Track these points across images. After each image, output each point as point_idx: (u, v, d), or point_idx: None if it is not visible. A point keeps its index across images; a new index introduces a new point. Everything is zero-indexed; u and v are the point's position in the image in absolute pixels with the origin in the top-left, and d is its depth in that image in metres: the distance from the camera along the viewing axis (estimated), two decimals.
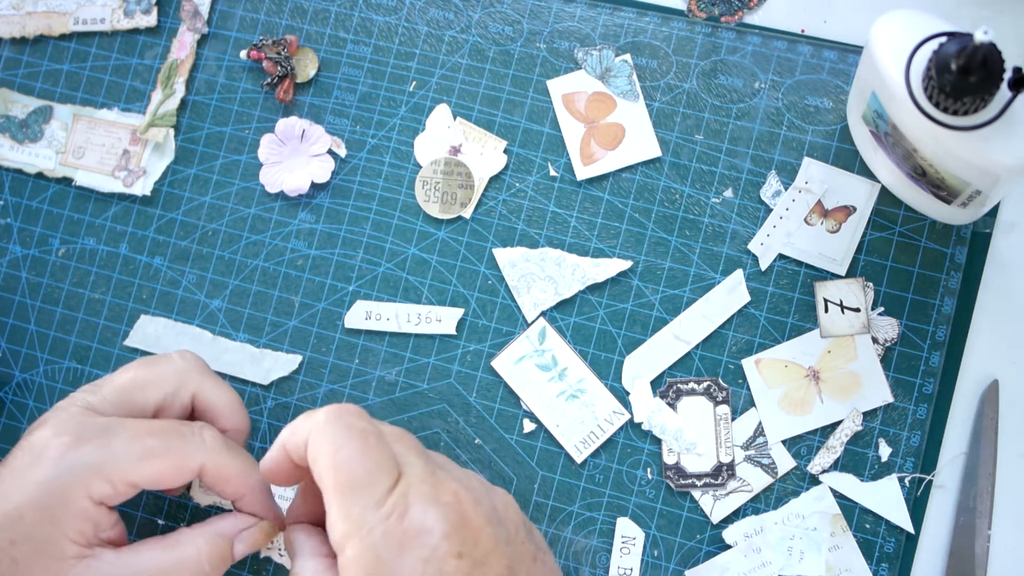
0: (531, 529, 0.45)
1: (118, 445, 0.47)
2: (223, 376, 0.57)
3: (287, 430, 0.45)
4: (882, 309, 0.53)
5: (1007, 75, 0.41)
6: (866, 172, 0.54)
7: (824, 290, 0.53)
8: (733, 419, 0.53)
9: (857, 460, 0.52)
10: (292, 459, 0.45)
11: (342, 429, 0.42)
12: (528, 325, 0.55)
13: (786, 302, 0.54)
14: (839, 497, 0.52)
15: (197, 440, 0.48)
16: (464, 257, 0.56)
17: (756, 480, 0.53)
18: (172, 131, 0.59)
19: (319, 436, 0.42)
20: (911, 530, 0.52)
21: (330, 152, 0.58)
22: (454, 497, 0.41)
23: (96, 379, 0.51)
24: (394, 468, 0.42)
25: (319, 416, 0.43)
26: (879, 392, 0.53)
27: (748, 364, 0.54)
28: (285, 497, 0.54)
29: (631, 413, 0.54)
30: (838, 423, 0.53)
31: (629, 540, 0.53)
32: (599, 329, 0.55)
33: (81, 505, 0.46)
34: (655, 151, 0.56)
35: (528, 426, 0.55)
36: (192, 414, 0.52)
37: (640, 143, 0.56)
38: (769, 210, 0.55)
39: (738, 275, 0.54)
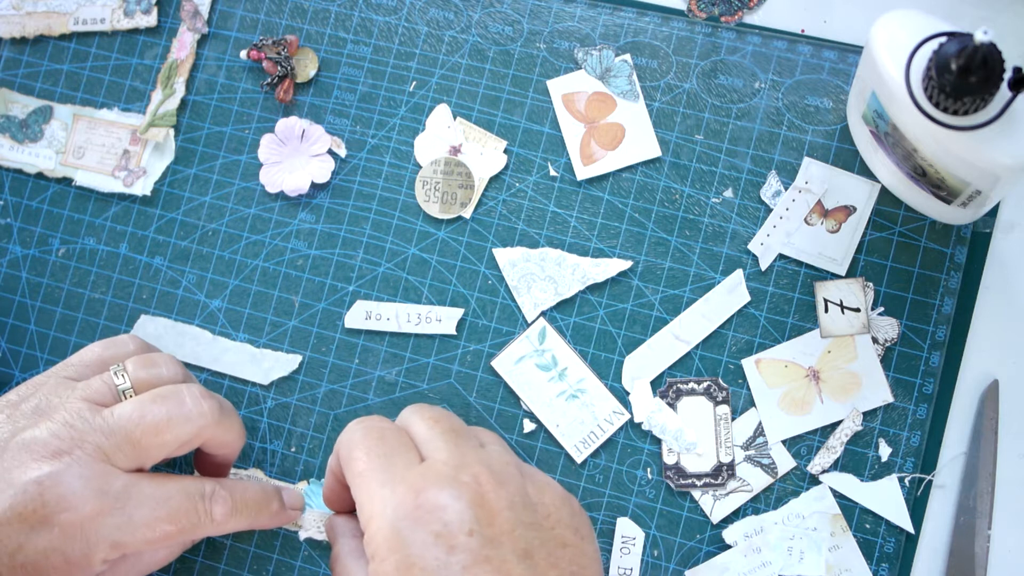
0: (576, 516, 0.44)
1: (137, 519, 0.46)
2: (223, 376, 0.57)
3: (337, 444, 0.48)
4: (882, 309, 0.53)
5: (1007, 75, 0.41)
6: (866, 172, 0.54)
7: (824, 290, 0.53)
8: (733, 419, 0.53)
9: (857, 460, 0.52)
10: (340, 480, 0.48)
11: (359, 430, 0.46)
12: (528, 325, 0.55)
13: (786, 302, 0.54)
14: (839, 497, 0.52)
15: (207, 519, 0.48)
16: (464, 257, 0.56)
17: (756, 480, 0.53)
18: (172, 131, 0.59)
19: (342, 442, 0.46)
20: (911, 530, 0.52)
21: (330, 152, 0.58)
22: (474, 479, 0.43)
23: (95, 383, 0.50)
24: (411, 452, 0.45)
25: (347, 435, 0.47)
26: (879, 392, 0.53)
27: (748, 364, 0.54)
28: None
29: (631, 413, 0.54)
30: (838, 423, 0.53)
31: (629, 540, 0.53)
32: (599, 329, 0.55)
33: (83, 564, 0.46)
34: (655, 151, 0.56)
35: (528, 426, 0.55)
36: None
37: (640, 143, 0.56)
38: (769, 210, 0.55)
39: (738, 275, 0.54)
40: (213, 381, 0.57)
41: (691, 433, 0.53)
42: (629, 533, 0.53)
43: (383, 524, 0.42)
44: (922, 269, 0.53)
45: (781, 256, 0.54)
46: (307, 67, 0.59)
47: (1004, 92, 0.42)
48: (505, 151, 0.57)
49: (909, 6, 0.45)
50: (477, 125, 0.57)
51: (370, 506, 0.43)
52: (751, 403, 0.53)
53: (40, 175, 0.60)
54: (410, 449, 0.45)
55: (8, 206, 0.60)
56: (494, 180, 0.57)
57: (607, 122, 0.56)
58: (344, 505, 0.49)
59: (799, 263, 0.54)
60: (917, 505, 0.52)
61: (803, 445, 0.53)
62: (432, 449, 0.45)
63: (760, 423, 0.53)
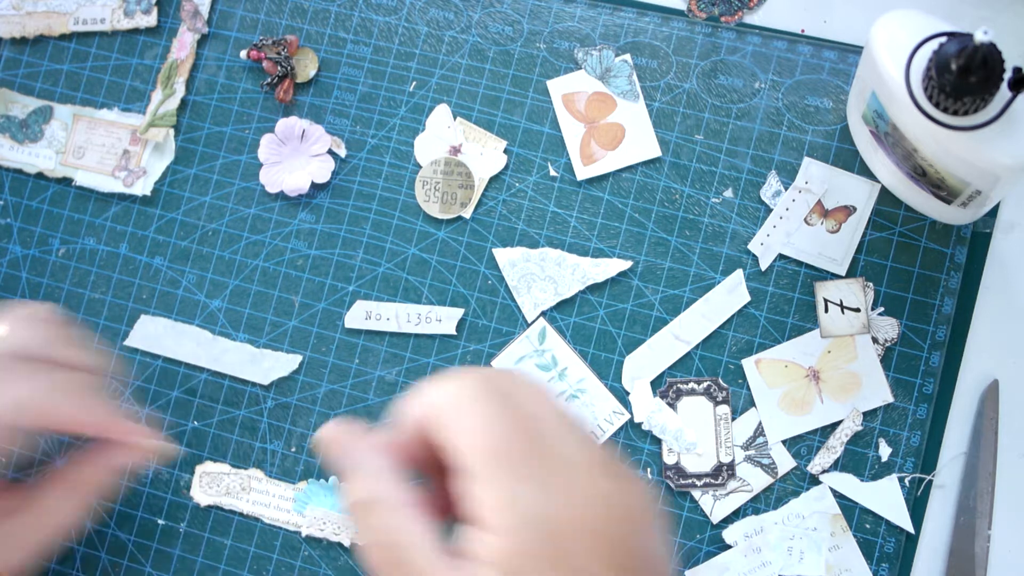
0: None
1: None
2: (223, 376, 0.57)
3: (416, 406, 0.36)
4: (882, 309, 0.53)
5: (1007, 75, 0.41)
6: (866, 172, 0.54)
7: (824, 290, 0.53)
8: (733, 419, 0.53)
9: (857, 460, 0.52)
10: (424, 438, 0.36)
11: (494, 407, 0.35)
12: (528, 325, 0.55)
13: (786, 302, 0.54)
14: (839, 497, 0.52)
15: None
16: (464, 257, 0.56)
17: (756, 480, 0.53)
18: (172, 131, 0.59)
19: (464, 411, 0.35)
20: (911, 530, 0.52)
21: (330, 152, 0.58)
22: (625, 499, 0.34)
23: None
24: (549, 450, 0.35)
25: (459, 391, 0.35)
26: (879, 392, 0.53)
27: (748, 364, 0.54)
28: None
29: (631, 413, 0.54)
30: (838, 423, 0.53)
31: None
32: (599, 329, 0.55)
33: None
34: (655, 151, 0.56)
35: None
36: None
37: (640, 143, 0.56)
38: (769, 210, 0.55)
39: (738, 275, 0.54)
40: (213, 381, 0.57)
41: (691, 433, 0.53)
42: None
43: (519, 528, 0.32)
44: (922, 269, 0.53)
45: (781, 256, 0.54)
46: (307, 67, 0.59)
47: (1004, 92, 0.42)
48: (505, 151, 0.57)
49: (909, 6, 0.45)
50: (477, 125, 0.57)
51: (497, 503, 0.33)
52: (751, 403, 0.53)
53: (40, 175, 0.60)
54: (546, 448, 0.35)
55: (8, 206, 0.60)
56: (494, 180, 0.57)
57: (607, 122, 0.56)
58: (417, 464, 0.37)
59: (799, 263, 0.54)
60: (917, 505, 0.52)
61: (803, 445, 0.53)
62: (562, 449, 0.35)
63: (760, 423, 0.53)
